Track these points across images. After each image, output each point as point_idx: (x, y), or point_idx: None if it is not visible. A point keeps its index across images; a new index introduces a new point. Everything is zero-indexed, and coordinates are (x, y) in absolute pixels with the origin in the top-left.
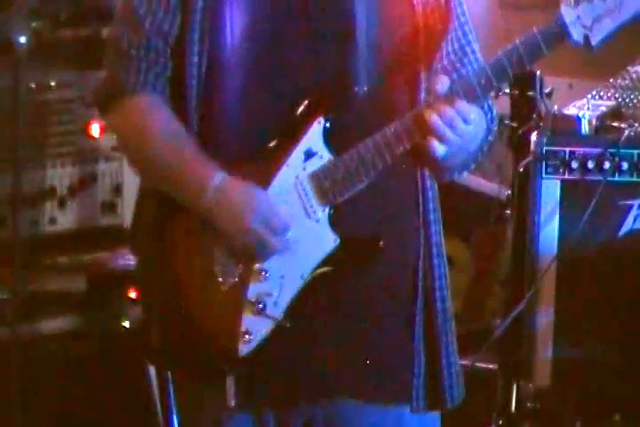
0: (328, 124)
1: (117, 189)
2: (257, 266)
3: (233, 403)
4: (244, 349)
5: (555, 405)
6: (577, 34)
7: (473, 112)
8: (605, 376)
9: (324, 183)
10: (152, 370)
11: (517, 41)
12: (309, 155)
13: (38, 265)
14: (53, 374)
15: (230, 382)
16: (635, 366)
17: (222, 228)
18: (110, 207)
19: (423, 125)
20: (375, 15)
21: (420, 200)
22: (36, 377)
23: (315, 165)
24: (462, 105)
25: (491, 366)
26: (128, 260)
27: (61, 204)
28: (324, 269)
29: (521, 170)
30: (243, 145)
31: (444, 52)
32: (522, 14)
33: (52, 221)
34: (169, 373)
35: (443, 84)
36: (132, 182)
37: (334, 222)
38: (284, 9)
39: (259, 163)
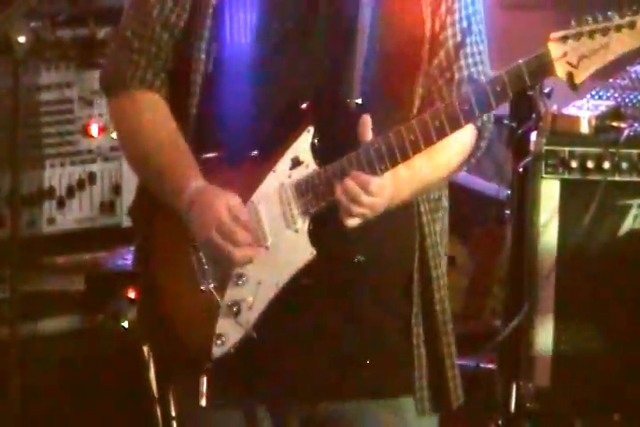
0: (317, 134)
1: (116, 190)
2: (236, 271)
3: (204, 403)
4: (217, 351)
5: (554, 405)
6: (561, 70)
7: (374, 184)
8: (605, 376)
9: (305, 193)
10: (152, 370)
11: (503, 71)
12: (296, 163)
13: (37, 265)
14: (52, 374)
15: (203, 382)
16: (635, 366)
17: (194, 235)
18: (109, 207)
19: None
20: (381, 22)
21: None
22: (35, 377)
23: (300, 174)
24: (362, 178)
25: (491, 366)
26: (127, 260)
27: (60, 204)
28: (303, 281)
29: (520, 170)
30: (239, 145)
31: (436, 60)
32: (522, 14)
33: (51, 221)
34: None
35: (365, 124)
36: (130, 182)
37: (314, 234)
38: (290, 13)
39: (250, 166)
